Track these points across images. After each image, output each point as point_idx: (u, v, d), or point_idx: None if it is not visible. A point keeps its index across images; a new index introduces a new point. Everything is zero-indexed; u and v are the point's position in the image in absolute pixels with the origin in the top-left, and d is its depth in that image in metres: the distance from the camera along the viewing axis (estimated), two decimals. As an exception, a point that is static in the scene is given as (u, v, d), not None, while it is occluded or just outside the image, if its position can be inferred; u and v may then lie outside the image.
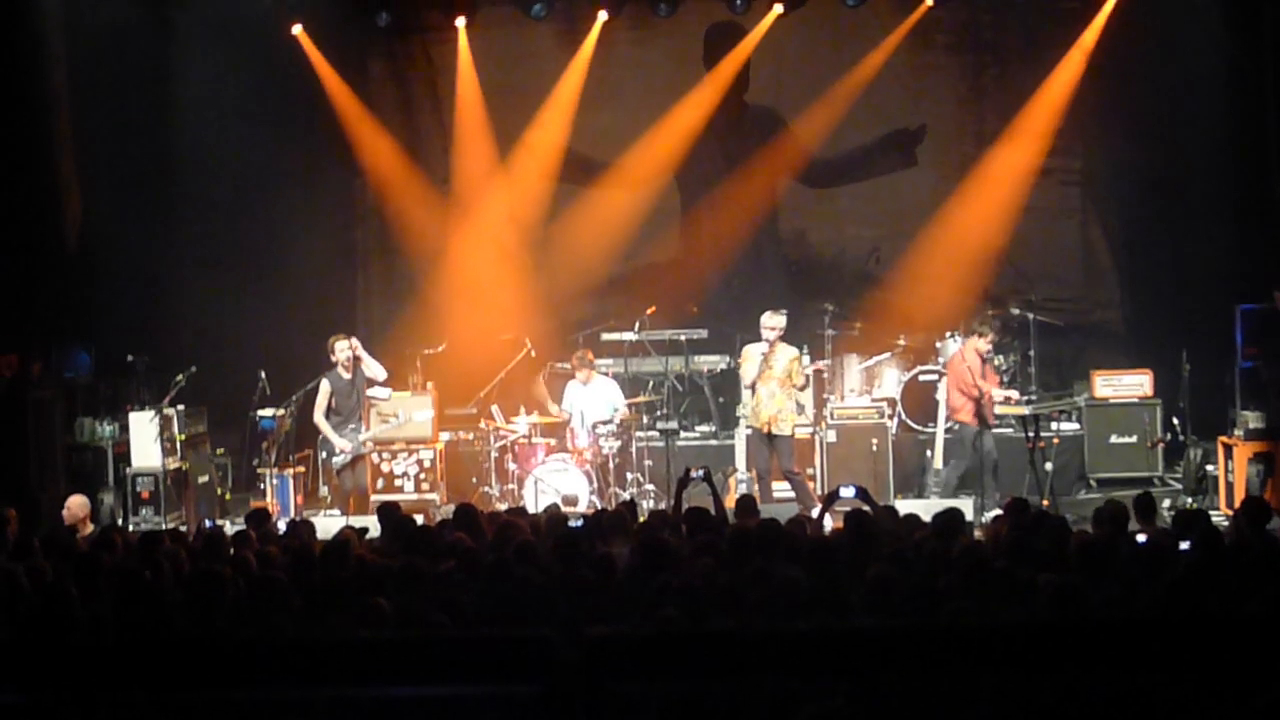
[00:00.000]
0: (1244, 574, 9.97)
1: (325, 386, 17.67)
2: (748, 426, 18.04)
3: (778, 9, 20.58)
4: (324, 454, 18.17)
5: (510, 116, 21.65)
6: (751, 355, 17.63)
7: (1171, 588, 9.25)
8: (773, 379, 17.40)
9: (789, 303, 20.46)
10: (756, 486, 17.54)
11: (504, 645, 8.01)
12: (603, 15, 20.91)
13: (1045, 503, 16.42)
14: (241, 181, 20.80)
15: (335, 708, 7.61)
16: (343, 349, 17.67)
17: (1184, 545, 10.84)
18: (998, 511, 14.99)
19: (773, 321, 17.47)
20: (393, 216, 22.36)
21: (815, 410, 19.23)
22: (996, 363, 18.84)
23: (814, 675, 7.44)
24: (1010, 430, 18.18)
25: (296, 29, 20.79)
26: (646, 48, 21.42)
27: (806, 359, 18.22)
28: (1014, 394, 18.09)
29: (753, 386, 17.59)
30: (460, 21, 21.07)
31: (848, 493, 12.57)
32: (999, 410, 17.56)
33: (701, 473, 14.00)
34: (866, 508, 12.21)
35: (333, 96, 21.28)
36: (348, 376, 17.73)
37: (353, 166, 22.30)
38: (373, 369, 17.80)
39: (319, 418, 17.71)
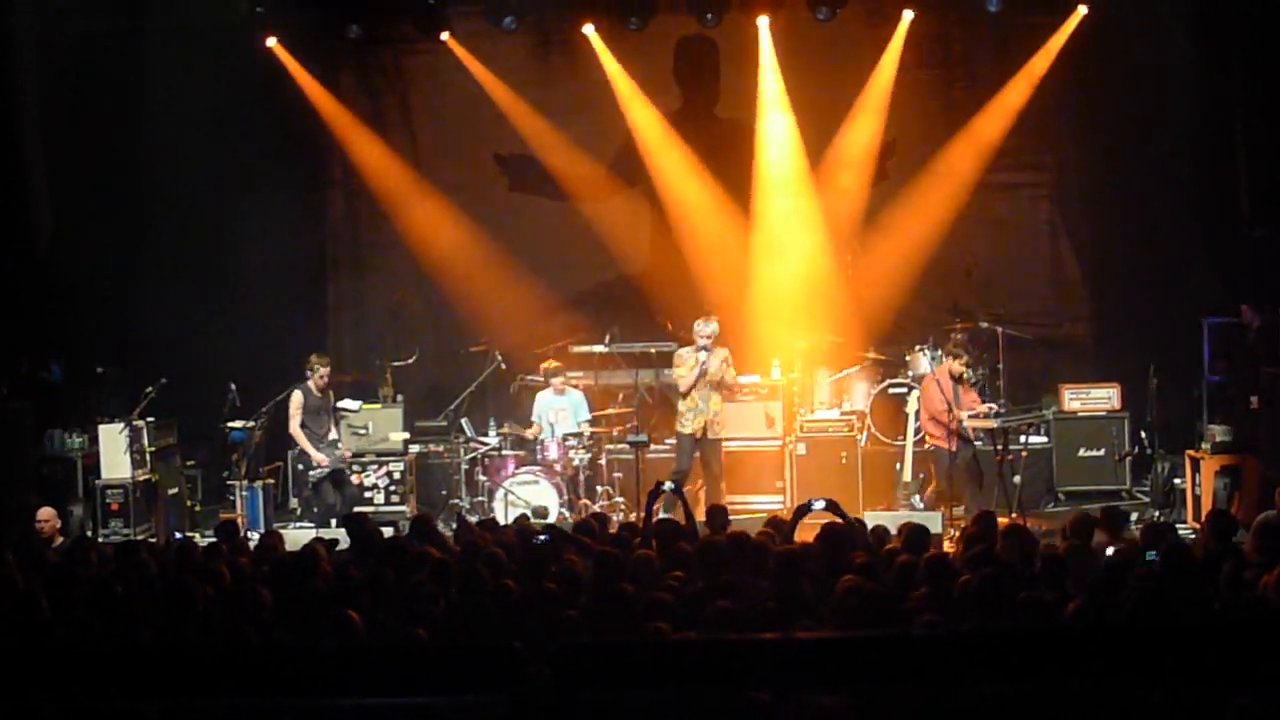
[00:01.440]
0: (1210, 585, 10.05)
1: (297, 397, 17.71)
2: (681, 433, 18.19)
3: (761, 20, 20.61)
4: (300, 466, 18.22)
5: (480, 128, 21.69)
6: (686, 360, 17.92)
7: (1139, 599, 9.32)
8: (708, 384, 17.73)
9: (759, 316, 20.64)
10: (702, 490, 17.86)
11: (472, 656, 8.04)
12: (589, 28, 20.93)
13: (1014, 515, 16.48)
14: (212, 192, 20.77)
15: (304, 718, 7.64)
16: (322, 372, 17.73)
17: (1150, 556, 10.92)
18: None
19: (706, 329, 17.86)
20: (364, 228, 22.40)
21: (785, 423, 19.31)
22: (971, 380, 18.89)
23: (782, 685, 7.48)
24: (980, 443, 18.24)
25: (271, 41, 20.80)
26: (616, 60, 21.39)
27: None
28: (991, 407, 18.04)
29: (688, 393, 17.89)
30: (446, 35, 21.04)
31: (818, 505, 12.62)
32: (967, 425, 17.60)
33: (673, 485, 14.08)
34: (838, 520, 12.27)
35: (317, 106, 21.32)
36: (319, 395, 17.78)
37: (323, 177, 22.33)
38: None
39: (294, 429, 17.73)
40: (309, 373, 17.80)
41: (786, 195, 21.31)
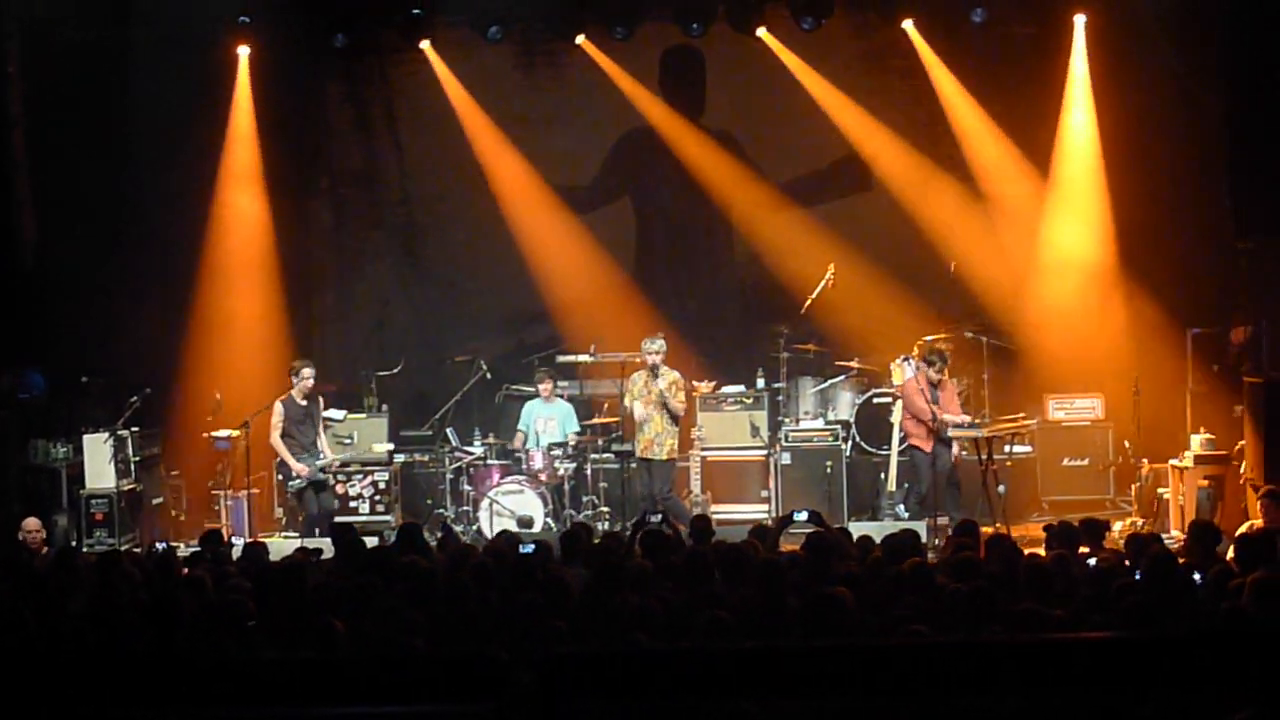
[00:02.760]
0: (1193, 596, 10.06)
1: (278, 409, 17.67)
2: (633, 458, 18.28)
3: (761, 31, 20.69)
4: (280, 476, 18.20)
5: (464, 138, 21.70)
6: (633, 385, 17.95)
7: (1122, 609, 9.32)
8: (652, 403, 17.83)
9: (743, 326, 20.68)
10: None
11: (457, 665, 8.04)
12: (581, 38, 20.99)
13: (998, 525, 16.51)
14: (198, 202, 20.72)
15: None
16: (306, 375, 17.70)
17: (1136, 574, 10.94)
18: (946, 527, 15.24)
19: (652, 347, 17.92)
20: (350, 237, 22.40)
21: (770, 433, 19.31)
22: (960, 387, 18.88)
23: (767, 696, 7.48)
24: (964, 453, 18.26)
25: (243, 50, 20.74)
26: (603, 70, 21.42)
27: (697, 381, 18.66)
28: (965, 418, 18.06)
29: (633, 414, 17.90)
30: (425, 44, 21.07)
31: (801, 517, 12.65)
32: (952, 434, 17.64)
33: (659, 517, 14.06)
34: (821, 530, 12.29)
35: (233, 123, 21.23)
36: (303, 403, 17.74)
37: (310, 188, 22.32)
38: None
39: (275, 440, 17.71)
40: (293, 379, 17.76)
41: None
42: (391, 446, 19.22)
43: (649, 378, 17.96)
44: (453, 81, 21.29)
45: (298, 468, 17.61)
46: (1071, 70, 20.44)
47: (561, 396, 19.60)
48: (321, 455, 17.80)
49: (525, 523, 17.69)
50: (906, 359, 19.17)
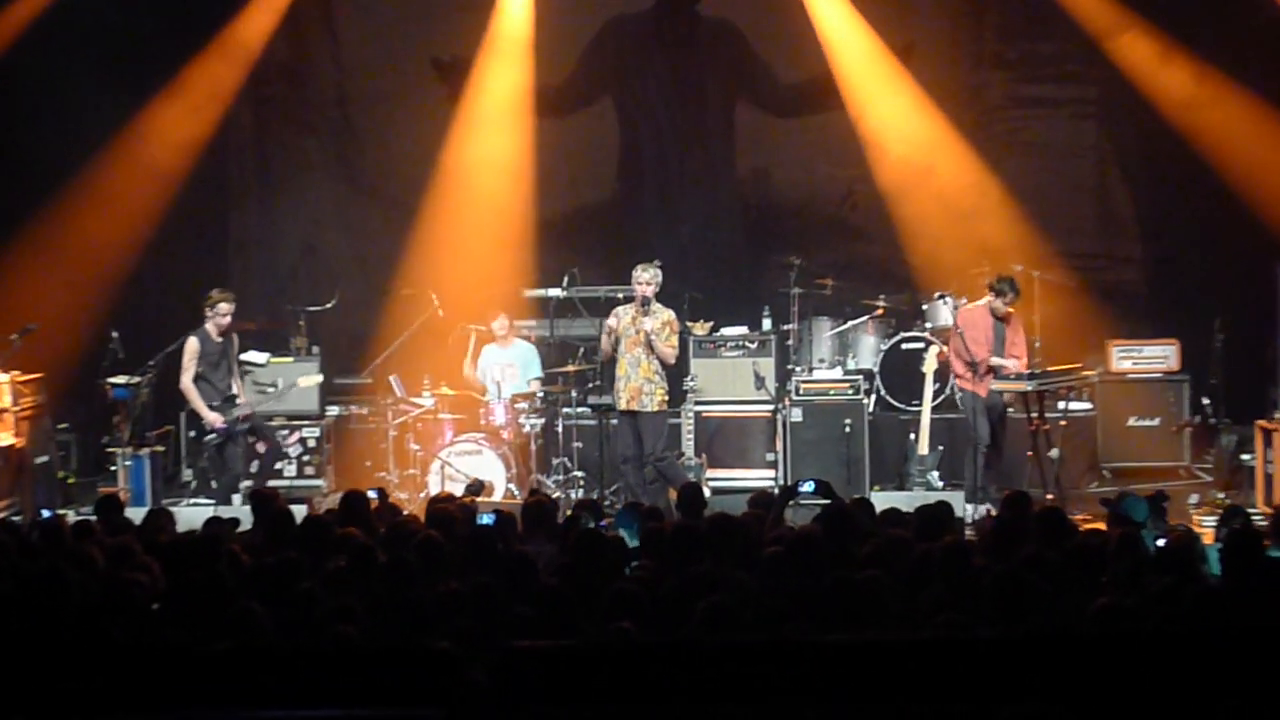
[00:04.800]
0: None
1: (192, 345, 17.60)
2: (614, 410, 18.17)
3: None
4: (193, 432, 18.17)
5: (414, 27, 21.68)
6: (619, 318, 17.84)
7: (1195, 600, 9.33)
8: (639, 345, 17.64)
9: (748, 254, 20.70)
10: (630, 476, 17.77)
11: (400, 659, 8.06)
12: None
13: (1050, 496, 16.57)
14: (95, 100, 20.65)
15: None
16: (224, 311, 17.65)
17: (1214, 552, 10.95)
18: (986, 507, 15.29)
19: (646, 276, 17.63)
20: (275, 146, 22.31)
21: (778, 385, 19.32)
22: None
23: (771, 698, 7.51)
24: (1010, 411, 18.26)
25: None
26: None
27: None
28: (1011, 365, 17.96)
29: (615, 358, 17.74)
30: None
31: (807, 488, 12.67)
32: (995, 385, 17.61)
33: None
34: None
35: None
36: (219, 340, 17.70)
37: (226, 86, 22.21)
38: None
39: (186, 383, 17.63)
40: (208, 312, 17.72)
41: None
42: (320, 379, 19.07)
43: (638, 313, 17.75)
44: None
45: (210, 417, 17.57)
46: None
47: (527, 338, 19.57)
48: (235, 404, 17.73)
49: (479, 489, 17.62)
50: (943, 296, 19.17)
